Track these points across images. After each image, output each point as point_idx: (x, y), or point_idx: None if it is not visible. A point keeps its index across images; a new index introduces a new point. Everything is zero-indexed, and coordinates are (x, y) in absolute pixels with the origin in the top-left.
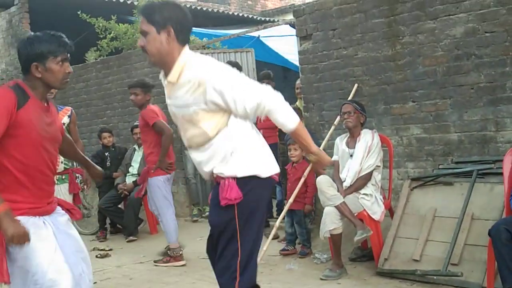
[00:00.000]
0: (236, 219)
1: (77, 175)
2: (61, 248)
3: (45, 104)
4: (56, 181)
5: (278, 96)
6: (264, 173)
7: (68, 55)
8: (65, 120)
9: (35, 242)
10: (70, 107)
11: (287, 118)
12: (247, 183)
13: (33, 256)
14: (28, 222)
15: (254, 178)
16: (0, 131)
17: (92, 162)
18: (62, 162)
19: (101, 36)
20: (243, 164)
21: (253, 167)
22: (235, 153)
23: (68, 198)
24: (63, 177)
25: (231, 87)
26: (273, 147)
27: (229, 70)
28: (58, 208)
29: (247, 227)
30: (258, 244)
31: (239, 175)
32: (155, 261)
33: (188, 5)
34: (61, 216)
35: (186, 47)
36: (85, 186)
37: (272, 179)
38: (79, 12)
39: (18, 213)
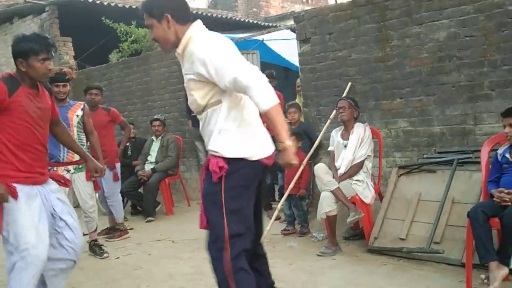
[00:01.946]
0: (222, 192)
1: None
2: (53, 207)
3: (36, 90)
4: (73, 170)
5: (258, 75)
6: (252, 157)
7: (50, 54)
8: (79, 112)
9: (24, 210)
10: (82, 102)
11: (262, 97)
12: (234, 163)
13: (19, 219)
14: (22, 190)
15: (241, 160)
16: None
17: (89, 156)
18: None
19: (123, 40)
20: (230, 145)
21: (240, 150)
22: (223, 133)
23: (88, 186)
24: (80, 166)
25: (213, 60)
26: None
27: (221, 45)
28: (50, 180)
29: (232, 201)
30: (247, 218)
31: (226, 155)
32: (107, 239)
33: (199, 12)
34: (51, 185)
35: (195, 24)
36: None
37: (261, 162)
38: (103, 18)
39: (13, 180)
